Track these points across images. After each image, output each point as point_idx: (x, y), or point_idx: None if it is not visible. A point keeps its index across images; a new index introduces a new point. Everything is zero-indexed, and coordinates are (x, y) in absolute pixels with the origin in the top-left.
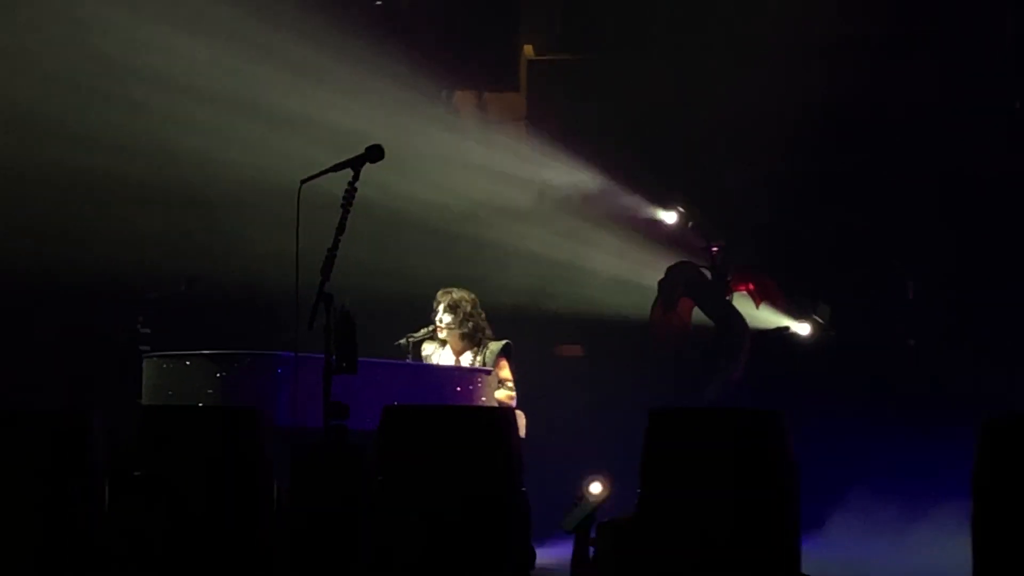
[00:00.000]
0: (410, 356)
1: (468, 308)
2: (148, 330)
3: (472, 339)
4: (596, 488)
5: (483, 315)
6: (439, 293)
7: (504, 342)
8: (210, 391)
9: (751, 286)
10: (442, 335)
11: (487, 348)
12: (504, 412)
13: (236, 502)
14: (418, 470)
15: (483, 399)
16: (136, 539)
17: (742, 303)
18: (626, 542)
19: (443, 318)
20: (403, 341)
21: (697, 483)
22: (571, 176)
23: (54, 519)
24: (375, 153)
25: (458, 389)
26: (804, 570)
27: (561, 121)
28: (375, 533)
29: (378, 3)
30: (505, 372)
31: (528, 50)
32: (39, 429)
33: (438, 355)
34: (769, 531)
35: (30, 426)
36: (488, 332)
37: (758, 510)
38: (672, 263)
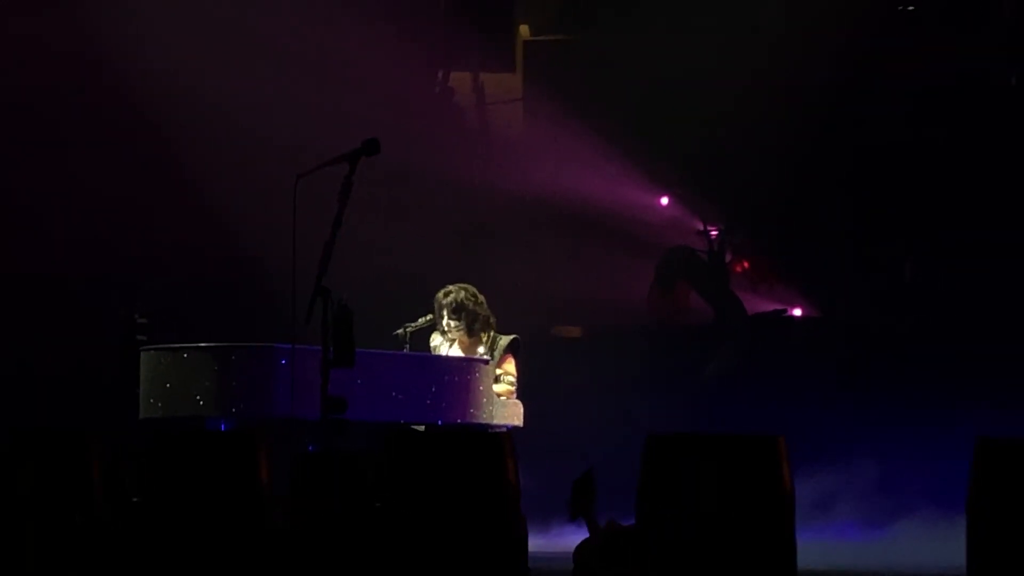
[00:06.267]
0: (407, 346)
1: (470, 306)
2: (145, 320)
3: (480, 331)
4: None
5: (483, 303)
6: (438, 295)
7: (512, 337)
8: (208, 384)
9: (747, 265)
10: (451, 336)
11: (498, 342)
12: (503, 437)
13: (235, 528)
14: (417, 495)
15: (480, 388)
16: (134, 563)
17: (739, 285)
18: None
19: (449, 323)
20: (400, 331)
21: (694, 509)
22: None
23: (52, 542)
24: (371, 147)
25: (456, 379)
26: (806, 557)
27: (557, 102)
28: (374, 558)
29: None
30: (509, 367)
31: (524, 30)
32: (36, 450)
33: (445, 348)
34: (764, 560)
35: (28, 446)
36: (492, 320)
37: (754, 539)
38: (668, 246)
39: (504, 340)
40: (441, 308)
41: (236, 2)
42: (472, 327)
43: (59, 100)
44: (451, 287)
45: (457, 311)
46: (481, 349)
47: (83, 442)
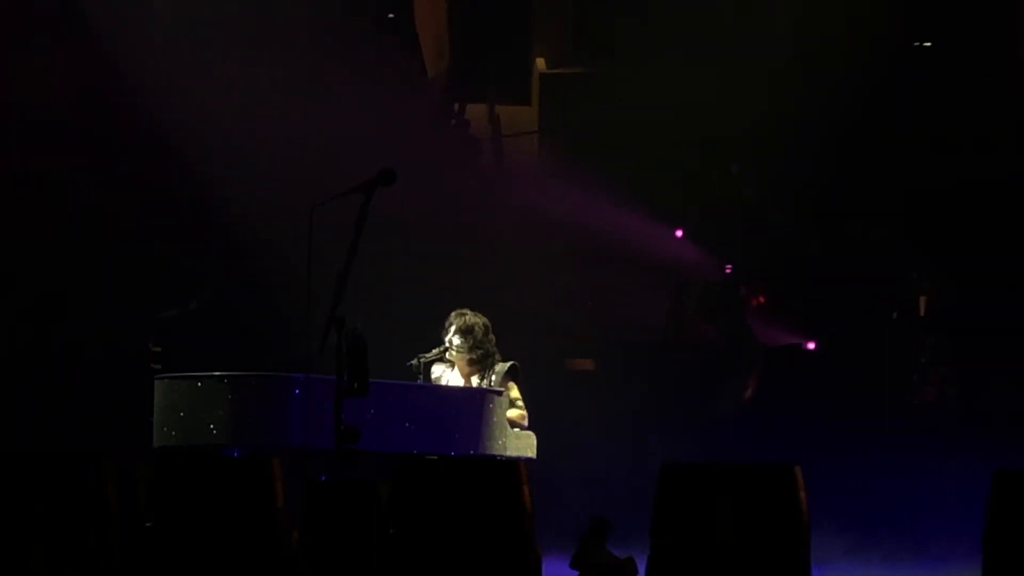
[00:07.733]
0: (421, 377)
1: (480, 335)
2: (159, 349)
3: (480, 364)
4: None
5: (493, 340)
6: (452, 314)
7: (510, 363)
8: (221, 413)
9: (762, 300)
10: (451, 356)
11: (493, 370)
12: (517, 465)
13: (249, 552)
14: (431, 523)
15: (495, 420)
16: None
17: (754, 319)
18: None
19: (453, 340)
20: (414, 362)
21: (709, 540)
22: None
23: (66, 565)
24: (387, 177)
25: (469, 411)
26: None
27: (573, 134)
28: None
29: (391, 16)
30: (514, 392)
31: (540, 63)
32: (51, 474)
33: (447, 376)
34: None
35: (42, 470)
36: (497, 357)
37: (770, 569)
38: (683, 278)
39: (501, 367)
40: (451, 325)
41: (256, 34)
42: (474, 354)
43: (73, 128)
44: (468, 311)
45: (466, 333)
46: (475, 381)
47: (97, 466)
